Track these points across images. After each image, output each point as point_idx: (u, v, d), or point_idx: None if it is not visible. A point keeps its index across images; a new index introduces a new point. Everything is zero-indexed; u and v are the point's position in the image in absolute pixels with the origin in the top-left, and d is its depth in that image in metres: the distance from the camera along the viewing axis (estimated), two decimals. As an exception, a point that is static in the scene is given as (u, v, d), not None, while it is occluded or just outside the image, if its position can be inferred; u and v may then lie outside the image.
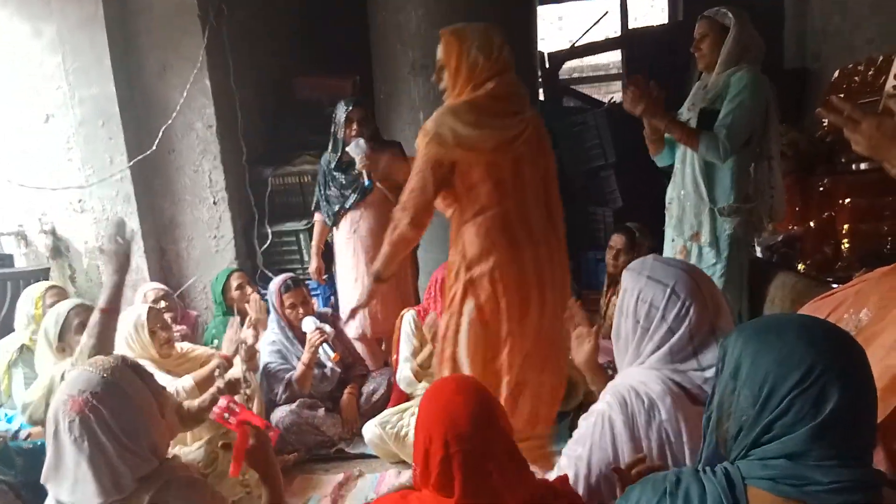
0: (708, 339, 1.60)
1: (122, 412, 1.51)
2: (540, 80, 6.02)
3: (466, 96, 2.32)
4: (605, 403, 1.62)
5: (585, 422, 1.66)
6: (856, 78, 3.61)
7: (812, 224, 3.41)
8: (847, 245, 3.20)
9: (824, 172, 3.45)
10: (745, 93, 2.82)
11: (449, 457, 1.39)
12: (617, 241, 3.91)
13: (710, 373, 1.57)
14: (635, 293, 1.66)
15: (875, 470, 1.04)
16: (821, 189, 3.37)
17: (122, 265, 2.36)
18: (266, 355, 3.49)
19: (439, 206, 2.44)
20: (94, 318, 2.38)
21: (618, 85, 7.39)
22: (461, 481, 1.39)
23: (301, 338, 3.50)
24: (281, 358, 3.52)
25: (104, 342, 2.32)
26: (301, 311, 3.50)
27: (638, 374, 1.64)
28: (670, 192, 3.17)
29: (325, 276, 4.17)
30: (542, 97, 5.86)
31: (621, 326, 1.70)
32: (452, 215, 2.46)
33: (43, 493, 1.57)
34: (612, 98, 5.61)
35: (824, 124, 3.73)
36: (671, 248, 3.16)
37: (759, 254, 3.65)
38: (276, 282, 3.57)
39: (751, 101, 2.83)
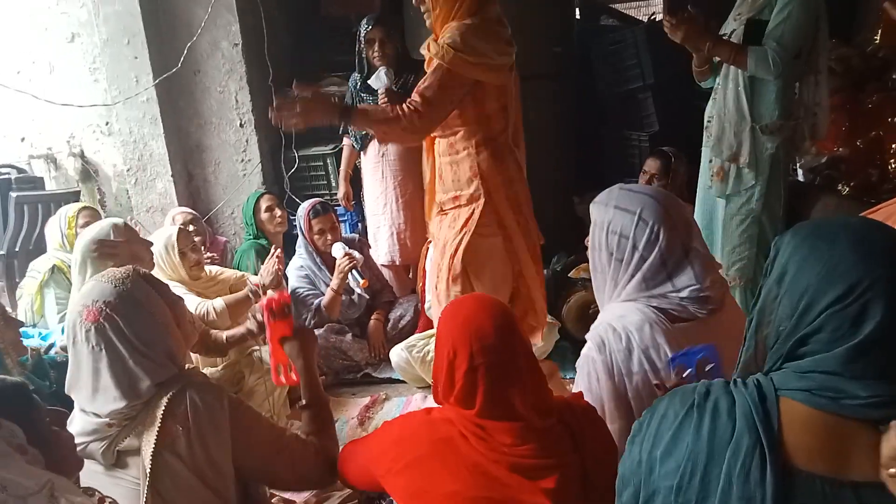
0: (681, 261, 1.60)
1: (136, 320, 1.54)
2: (577, -1, 5.77)
3: (471, 19, 2.30)
4: (587, 347, 1.65)
5: (579, 369, 1.69)
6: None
7: (858, 144, 3.26)
8: (894, 166, 3.06)
9: (874, 90, 3.27)
10: (795, 1, 2.65)
11: (474, 368, 1.41)
12: (651, 165, 3.80)
13: (685, 293, 1.59)
14: (605, 225, 1.66)
15: None
16: (869, 107, 3.21)
17: None
18: (294, 280, 3.51)
19: (451, 122, 2.44)
20: None
21: (659, 4, 7.06)
22: (484, 392, 1.41)
23: (329, 263, 3.50)
24: (309, 283, 3.53)
25: None
26: (329, 237, 3.49)
27: (616, 310, 1.65)
28: (710, 110, 3.03)
29: (352, 203, 4.15)
30: (578, 16, 5.62)
31: (596, 261, 1.71)
32: (452, 141, 2.47)
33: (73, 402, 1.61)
34: (652, 14, 5.35)
35: (876, 40, 3.54)
36: (708, 169, 3.04)
37: (801, 177, 3.52)
38: (305, 207, 3.55)
39: (801, 11, 2.67)
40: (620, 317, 1.62)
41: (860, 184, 3.20)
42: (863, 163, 3.24)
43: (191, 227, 3.55)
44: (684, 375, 1.43)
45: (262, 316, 1.94)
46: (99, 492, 1.34)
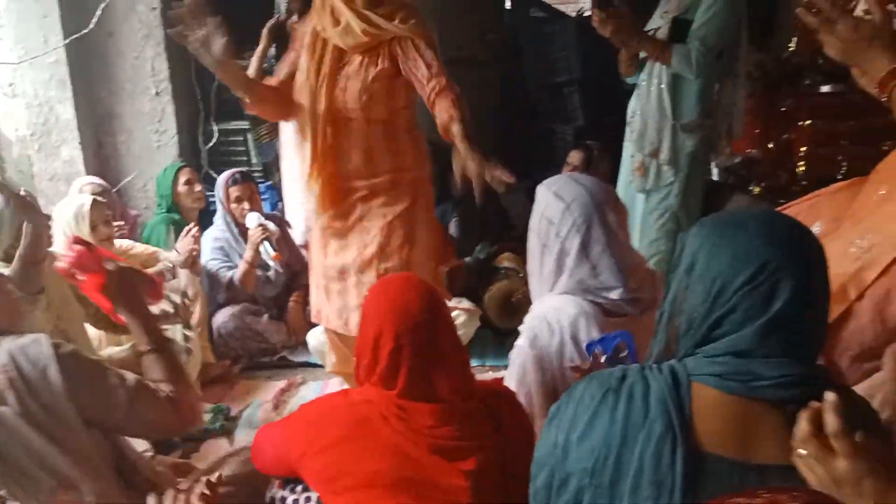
0: (605, 259, 1.64)
1: None
2: (508, -12, 5.80)
3: None
4: (521, 339, 1.68)
5: (511, 362, 1.72)
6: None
7: (770, 146, 3.42)
8: (803, 169, 3.23)
9: (787, 94, 3.43)
10: (720, 2, 2.75)
11: (399, 348, 1.40)
12: (575, 157, 3.87)
13: (614, 294, 1.64)
14: (540, 208, 1.71)
15: (819, 366, 1.04)
16: (782, 110, 3.37)
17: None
18: (208, 252, 3.40)
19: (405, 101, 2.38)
20: None
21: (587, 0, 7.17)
22: (407, 372, 1.40)
23: (246, 236, 3.41)
24: (223, 255, 3.44)
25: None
26: (247, 205, 3.40)
27: (552, 302, 1.68)
28: (633, 105, 3.11)
29: (269, 182, 4.06)
30: (508, 5, 5.66)
31: (530, 242, 1.75)
32: (395, 121, 2.39)
33: None
34: (580, 9, 5.44)
35: (790, 47, 3.70)
36: (630, 163, 3.13)
37: (716, 176, 3.66)
38: (225, 175, 3.48)
39: (726, 12, 2.77)
40: (556, 309, 1.65)
41: (771, 185, 3.36)
42: (774, 164, 3.40)
43: (101, 199, 3.38)
44: (602, 360, 1.45)
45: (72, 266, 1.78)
46: None
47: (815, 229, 1.69)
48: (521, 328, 1.71)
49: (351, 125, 2.31)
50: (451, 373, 1.44)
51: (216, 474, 1.43)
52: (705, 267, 1.02)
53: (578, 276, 1.65)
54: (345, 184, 2.38)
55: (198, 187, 3.67)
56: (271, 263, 3.41)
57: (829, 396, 0.86)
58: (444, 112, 2.11)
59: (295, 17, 3.44)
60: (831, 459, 0.84)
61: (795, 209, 1.88)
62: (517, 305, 3.28)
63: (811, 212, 1.80)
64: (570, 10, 6.14)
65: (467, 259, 3.75)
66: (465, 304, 3.27)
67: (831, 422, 0.85)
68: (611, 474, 1.00)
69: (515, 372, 1.68)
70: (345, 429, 1.41)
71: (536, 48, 5.06)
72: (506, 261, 3.75)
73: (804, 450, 0.87)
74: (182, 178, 3.65)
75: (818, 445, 0.85)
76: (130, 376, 1.57)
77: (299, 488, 1.49)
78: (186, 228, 3.13)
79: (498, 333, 3.37)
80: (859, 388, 1.31)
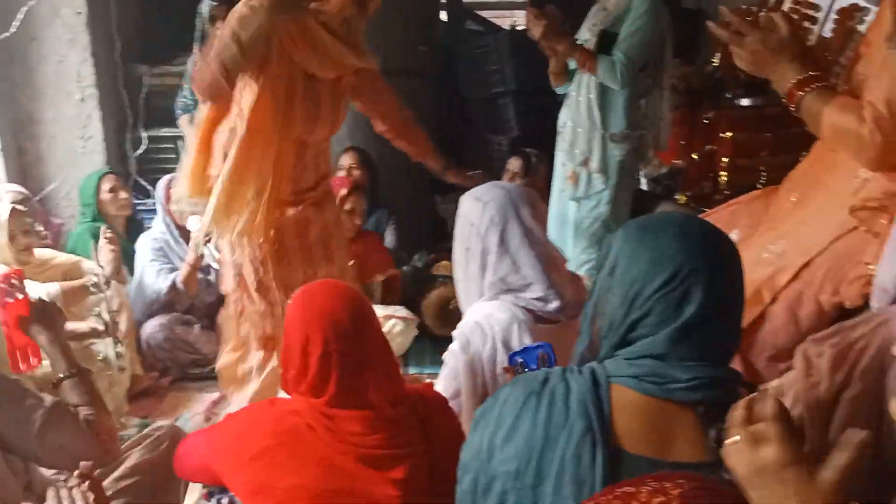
0: (523, 252, 1.68)
1: None
2: (443, 0, 5.86)
3: None
4: (454, 344, 1.70)
5: (444, 365, 1.73)
6: (748, 18, 3.71)
7: (694, 157, 3.55)
8: (725, 178, 3.35)
9: (710, 107, 3.57)
10: (644, 17, 2.86)
11: (328, 354, 1.38)
12: (514, 164, 3.92)
13: (537, 290, 1.67)
14: (462, 215, 1.75)
15: (731, 369, 1.06)
16: (705, 122, 3.50)
17: None
18: (148, 253, 3.34)
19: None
20: None
21: (521, 15, 7.31)
22: (337, 379, 1.38)
23: (186, 237, 3.34)
24: (163, 256, 3.38)
25: None
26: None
27: (483, 308, 1.70)
28: (563, 116, 3.19)
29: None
30: (444, 18, 5.71)
31: (455, 253, 1.78)
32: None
33: None
34: (514, 23, 5.54)
35: (713, 62, 3.84)
36: (562, 172, 3.19)
37: (644, 186, 3.77)
38: (166, 178, 3.42)
39: (650, 27, 2.89)
40: (488, 315, 1.67)
41: (695, 194, 3.48)
42: (698, 175, 3.53)
43: (21, 208, 3.25)
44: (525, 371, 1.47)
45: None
46: None
47: (734, 236, 1.76)
48: (454, 333, 1.72)
49: (307, 144, 2.31)
50: (381, 378, 1.42)
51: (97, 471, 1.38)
52: (625, 270, 1.05)
53: (501, 272, 1.68)
54: (296, 197, 2.36)
55: (123, 195, 3.57)
56: (215, 265, 3.35)
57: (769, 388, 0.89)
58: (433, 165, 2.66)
59: (219, 24, 3.38)
60: (759, 447, 0.85)
61: (715, 217, 1.94)
62: (454, 312, 3.29)
63: (730, 219, 1.87)
64: (506, 24, 6.25)
65: (405, 268, 3.76)
66: (403, 312, 3.28)
67: (770, 405, 0.86)
68: (534, 476, 1.01)
69: (447, 376, 1.69)
70: (270, 440, 1.38)
71: (472, 60, 5.13)
72: (443, 269, 3.77)
73: (736, 436, 0.88)
74: (105, 186, 3.54)
75: (748, 433, 0.86)
76: (48, 398, 1.53)
77: (225, 500, 1.46)
78: (101, 235, 3.03)
79: (436, 342, 3.38)
80: (772, 386, 1.37)
